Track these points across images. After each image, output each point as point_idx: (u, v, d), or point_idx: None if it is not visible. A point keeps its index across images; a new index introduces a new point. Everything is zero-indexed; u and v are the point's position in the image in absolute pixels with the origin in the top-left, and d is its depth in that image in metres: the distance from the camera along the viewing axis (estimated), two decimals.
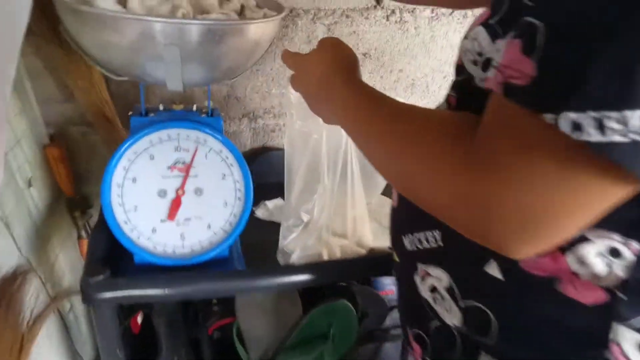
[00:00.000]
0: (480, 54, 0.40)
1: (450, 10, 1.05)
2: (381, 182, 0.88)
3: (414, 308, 0.50)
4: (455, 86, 0.45)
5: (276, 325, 0.86)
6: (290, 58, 0.60)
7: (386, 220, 0.93)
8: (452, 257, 0.44)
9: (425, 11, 1.04)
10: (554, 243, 0.32)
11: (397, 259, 0.53)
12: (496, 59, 0.32)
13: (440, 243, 0.45)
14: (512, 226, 0.32)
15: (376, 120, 0.43)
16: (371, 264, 0.77)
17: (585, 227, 0.32)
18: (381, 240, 0.85)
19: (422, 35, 1.06)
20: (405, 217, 0.50)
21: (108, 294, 0.66)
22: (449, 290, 0.44)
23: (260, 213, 0.94)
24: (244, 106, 1.03)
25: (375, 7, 1.01)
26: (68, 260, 0.94)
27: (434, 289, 0.46)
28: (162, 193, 0.73)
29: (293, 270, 0.72)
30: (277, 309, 0.86)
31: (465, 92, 0.43)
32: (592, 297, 0.37)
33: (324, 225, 0.76)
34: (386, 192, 0.94)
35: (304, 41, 1.00)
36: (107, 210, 0.70)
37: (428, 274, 0.46)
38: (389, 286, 1.03)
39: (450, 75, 1.13)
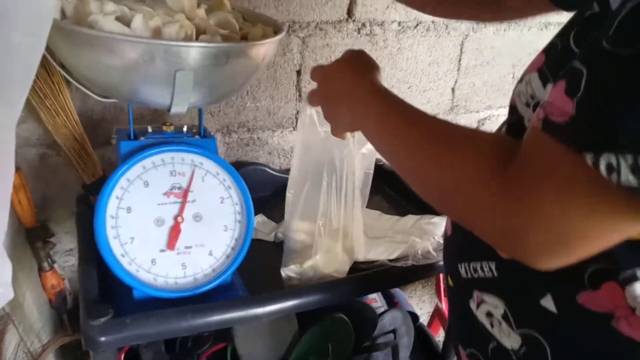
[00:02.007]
0: (532, 97, 0.42)
1: (415, 24, 1.09)
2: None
3: (470, 330, 0.52)
4: (507, 125, 0.48)
5: (274, 346, 0.84)
6: (313, 70, 0.61)
7: (372, 232, 0.95)
8: (507, 287, 0.47)
9: (393, 24, 1.07)
10: (571, 261, 0.35)
11: (451, 283, 0.55)
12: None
13: (495, 273, 0.47)
14: (540, 248, 0.35)
15: (410, 132, 0.44)
16: (374, 280, 0.78)
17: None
18: (372, 252, 0.87)
19: (390, 48, 1.09)
20: (460, 246, 0.52)
21: (114, 336, 0.61)
22: (505, 317, 0.47)
23: None
24: (218, 121, 1.00)
25: (347, 20, 1.02)
26: (35, 297, 0.85)
27: (489, 314, 0.48)
28: (160, 221, 0.69)
29: (304, 292, 0.71)
30: (274, 329, 0.84)
31: (516, 133, 0.45)
32: None
33: (326, 244, 0.76)
34: (370, 205, 0.95)
35: (279, 54, 0.98)
36: (102, 244, 0.65)
37: (483, 301, 0.49)
38: (371, 295, 1.06)
39: (414, 86, 1.17)
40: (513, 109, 0.46)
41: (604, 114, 0.29)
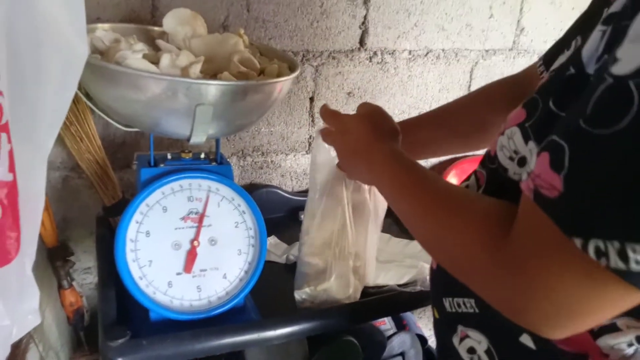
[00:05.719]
0: (516, 152, 0.44)
1: (425, 52, 1.12)
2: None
3: None
4: (486, 169, 0.49)
5: None
6: (330, 116, 0.63)
7: (382, 256, 0.97)
8: (488, 324, 0.48)
9: (404, 53, 1.10)
10: (579, 331, 0.36)
11: (437, 316, 0.57)
12: (530, 163, 0.35)
13: (477, 309, 0.49)
14: (543, 321, 0.36)
15: (421, 197, 0.47)
16: (384, 305, 0.80)
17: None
18: (381, 277, 0.89)
19: (401, 75, 1.12)
20: (444, 281, 0.53)
21: (131, 357, 0.63)
22: (488, 353, 0.48)
23: None
24: (234, 145, 1.03)
25: (359, 49, 1.05)
26: (54, 315, 0.88)
27: (472, 351, 0.50)
28: (177, 245, 0.71)
29: (316, 316, 0.73)
30: (284, 351, 0.86)
31: (496, 178, 0.47)
32: None
33: (340, 268, 0.78)
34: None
35: (292, 82, 1.02)
36: (122, 267, 0.67)
37: (468, 336, 0.50)
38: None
39: (424, 111, 1.20)
40: (492, 158, 0.47)
41: (590, 199, 0.30)
